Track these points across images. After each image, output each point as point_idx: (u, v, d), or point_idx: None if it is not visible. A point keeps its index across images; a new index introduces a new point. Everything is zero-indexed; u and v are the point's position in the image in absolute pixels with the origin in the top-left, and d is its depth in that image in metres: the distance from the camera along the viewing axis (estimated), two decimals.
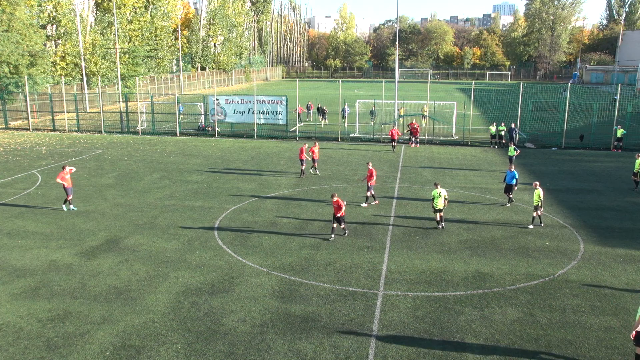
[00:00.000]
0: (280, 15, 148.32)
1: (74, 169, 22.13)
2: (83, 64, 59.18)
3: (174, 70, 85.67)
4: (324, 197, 23.07)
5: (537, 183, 19.89)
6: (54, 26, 58.48)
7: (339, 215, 17.68)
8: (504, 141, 36.87)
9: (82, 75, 59.25)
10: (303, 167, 27.19)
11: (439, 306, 13.46)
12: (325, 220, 19.69)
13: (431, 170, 29.43)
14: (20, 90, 45.92)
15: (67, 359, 11.05)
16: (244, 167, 29.64)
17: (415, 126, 37.22)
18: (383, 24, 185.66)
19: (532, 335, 12.17)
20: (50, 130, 43.22)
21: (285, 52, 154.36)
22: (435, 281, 14.91)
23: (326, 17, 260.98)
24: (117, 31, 61.88)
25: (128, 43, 67.58)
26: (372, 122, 43.52)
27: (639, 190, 25.05)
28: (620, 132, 35.93)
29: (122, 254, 16.73)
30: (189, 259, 16.37)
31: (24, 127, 44.24)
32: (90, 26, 65.08)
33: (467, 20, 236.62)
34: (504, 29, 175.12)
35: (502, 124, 37.79)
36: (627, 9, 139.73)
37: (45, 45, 53.87)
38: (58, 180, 20.92)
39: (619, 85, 42.98)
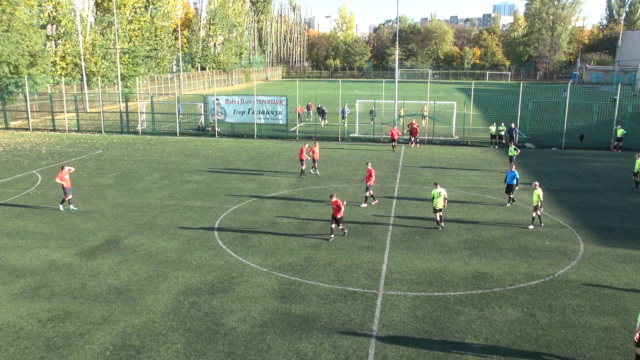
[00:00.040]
0: (280, 15, 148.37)
1: (72, 169, 22.14)
2: (83, 64, 59.19)
3: (174, 70, 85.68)
4: (324, 197, 23.07)
5: (537, 183, 19.89)
6: (54, 26, 58.48)
7: (338, 216, 17.67)
8: (504, 141, 36.86)
9: (82, 75, 59.26)
10: (303, 167, 27.19)
11: (439, 306, 13.46)
12: (325, 220, 19.69)
13: (431, 170, 29.43)
14: (20, 90, 45.93)
15: (67, 359, 11.05)
16: (244, 167, 29.64)
17: (415, 126, 37.21)
18: (383, 24, 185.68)
19: (532, 335, 12.17)
20: (50, 130, 43.22)
21: (285, 52, 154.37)
22: (435, 281, 14.91)
23: (326, 17, 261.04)
24: (117, 31, 61.88)
25: (128, 43, 67.59)
26: (372, 122, 43.52)
27: (639, 190, 25.05)
28: (620, 132, 35.93)
29: (122, 254, 16.73)
30: (189, 259, 16.37)
31: (24, 127, 44.25)
32: (90, 26, 65.08)
33: (467, 20, 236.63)
34: (504, 29, 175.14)
35: (502, 124, 37.79)
36: (627, 9, 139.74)
37: (45, 45, 53.87)
38: (57, 180, 20.93)
39: (619, 85, 42.99)
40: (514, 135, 34.84)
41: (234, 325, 12.42)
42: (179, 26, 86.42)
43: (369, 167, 22.09)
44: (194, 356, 11.21)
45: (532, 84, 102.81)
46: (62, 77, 56.00)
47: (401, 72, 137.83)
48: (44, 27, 55.90)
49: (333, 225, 17.94)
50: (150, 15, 75.79)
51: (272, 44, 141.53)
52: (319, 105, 47.72)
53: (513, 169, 22.08)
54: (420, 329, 12.38)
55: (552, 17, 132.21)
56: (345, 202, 20.15)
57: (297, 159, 28.99)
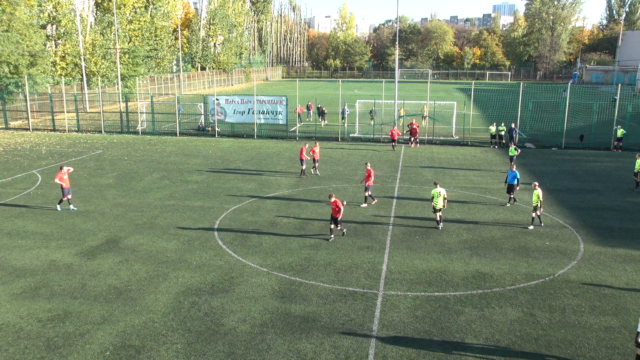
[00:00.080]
0: (280, 15, 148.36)
1: (71, 169, 22.14)
2: (83, 64, 59.19)
3: (174, 70, 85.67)
4: (324, 197, 23.06)
5: (536, 183, 19.87)
6: (54, 26, 58.48)
7: (337, 216, 17.66)
8: (504, 141, 36.86)
9: (82, 75, 59.26)
10: (303, 167, 27.19)
11: (439, 306, 13.46)
12: (325, 220, 19.68)
13: (431, 170, 29.43)
14: (20, 90, 45.92)
15: (67, 359, 11.05)
16: (244, 167, 29.65)
17: (414, 126, 37.20)
18: (383, 24, 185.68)
19: (532, 335, 12.17)
20: (50, 130, 43.22)
21: (285, 52, 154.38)
22: (435, 281, 14.91)
23: (326, 17, 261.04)
24: (117, 31, 61.89)
25: (128, 43, 67.59)
26: (372, 122, 43.53)
27: (639, 190, 25.05)
28: (620, 132, 35.93)
29: (122, 254, 16.73)
30: (189, 259, 16.37)
31: (24, 127, 44.25)
32: (90, 26, 65.08)
33: (467, 20, 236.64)
34: (504, 29, 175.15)
35: (502, 124, 37.79)
36: (627, 9, 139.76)
37: (45, 45, 53.86)
38: (56, 180, 20.93)
39: (619, 85, 43.02)
40: (514, 135, 34.84)
41: (234, 325, 12.42)
42: (179, 26, 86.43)
43: (368, 167, 22.10)
44: (194, 356, 11.22)
45: (532, 84, 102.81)
46: (62, 77, 56.00)
47: (401, 72, 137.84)
48: (44, 27, 55.90)
49: (332, 226, 17.93)
50: (150, 15, 75.79)
51: (272, 44, 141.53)
52: (319, 105, 47.73)
53: (514, 169, 22.07)
54: (420, 329, 12.38)
55: (552, 17, 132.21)
56: (345, 202, 20.17)
57: (297, 159, 28.99)
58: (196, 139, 39.63)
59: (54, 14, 57.38)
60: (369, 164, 22.65)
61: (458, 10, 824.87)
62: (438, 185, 19.33)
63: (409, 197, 23.71)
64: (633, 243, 18.11)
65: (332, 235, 18.02)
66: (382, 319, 12.81)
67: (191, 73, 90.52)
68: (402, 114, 44.35)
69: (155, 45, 76.55)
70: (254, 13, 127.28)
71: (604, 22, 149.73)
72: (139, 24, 71.25)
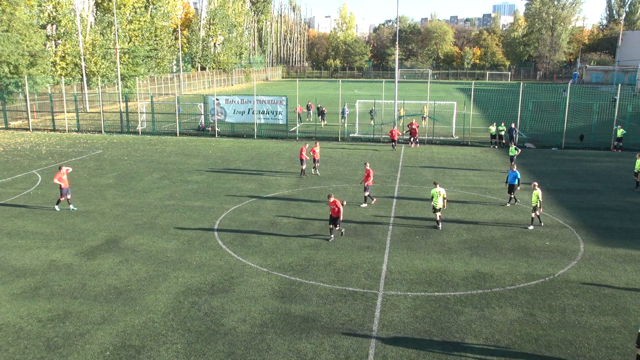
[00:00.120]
0: (280, 15, 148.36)
1: (70, 169, 22.13)
2: (83, 64, 59.19)
3: (174, 70, 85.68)
4: (324, 197, 23.05)
5: (536, 184, 19.86)
6: (54, 26, 58.47)
7: (336, 216, 17.66)
8: (504, 141, 36.86)
9: (82, 75, 59.26)
10: (303, 167, 27.19)
11: (439, 306, 13.46)
12: (325, 220, 19.67)
13: (431, 170, 29.43)
14: (20, 90, 45.92)
15: (67, 359, 11.05)
16: (244, 167, 29.65)
17: (414, 127, 37.19)
18: (383, 24, 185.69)
19: (532, 335, 12.18)
20: (50, 130, 43.22)
21: (285, 52, 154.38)
22: (435, 281, 14.91)
23: (326, 17, 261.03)
24: (117, 31, 61.89)
25: (128, 43, 67.59)
26: (372, 122, 43.53)
27: (639, 190, 25.05)
28: (620, 132, 35.93)
29: (122, 254, 16.73)
30: (189, 259, 16.37)
31: (24, 127, 44.25)
32: (90, 26, 65.08)
33: (467, 20, 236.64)
34: (504, 29, 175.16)
35: (502, 124, 37.79)
36: (627, 9, 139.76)
37: (45, 45, 53.86)
38: (55, 180, 20.93)
39: (619, 85, 43.03)
40: (514, 135, 34.84)
41: (234, 325, 12.42)
42: (179, 26, 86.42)
43: (368, 167, 22.11)
44: (194, 356, 11.22)
45: (532, 84, 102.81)
46: (62, 77, 56.00)
47: (401, 72, 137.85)
48: (44, 27, 55.89)
49: (331, 226, 17.93)
50: (150, 15, 75.79)
51: (272, 44, 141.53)
52: (319, 105, 47.73)
53: (514, 169, 22.06)
54: (420, 329, 12.38)
55: (552, 17, 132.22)
56: (345, 203, 20.19)
57: (297, 159, 29.00)
58: (196, 139, 39.63)
59: (54, 14, 57.38)
60: (368, 164, 22.68)
61: (458, 10, 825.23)
62: (438, 185, 19.35)
63: (409, 197, 23.71)
64: (633, 243, 18.11)
65: (332, 236, 18.01)
66: (382, 319, 12.81)
67: (191, 73, 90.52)
68: (402, 114, 44.35)
69: (155, 45, 76.55)
70: (254, 13, 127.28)
71: (604, 22, 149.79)
72: (139, 24, 71.25)
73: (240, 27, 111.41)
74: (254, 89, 43.60)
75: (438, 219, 19.33)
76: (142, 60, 69.19)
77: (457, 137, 40.22)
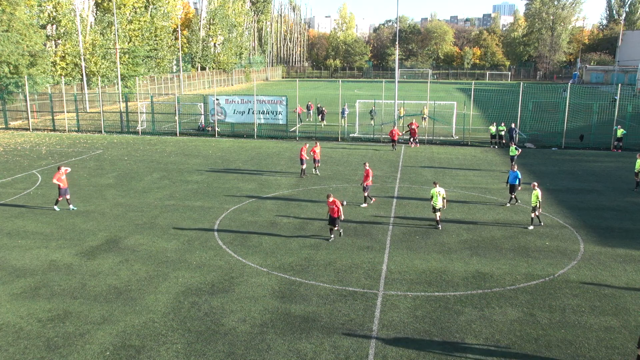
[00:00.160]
0: (280, 15, 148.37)
1: (69, 170, 22.13)
2: (83, 64, 59.19)
3: (174, 70, 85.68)
4: (324, 197, 23.00)
5: (536, 184, 19.85)
6: (54, 26, 58.48)
7: (335, 216, 17.66)
8: (504, 141, 36.86)
9: (82, 75, 59.26)
10: (303, 167, 27.19)
11: (439, 306, 13.46)
12: (326, 220, 19.67)
13: (431, 170, 29.43)
14: (20, 90, 45.93)
15: (67, 359, 11.05)
16: (244, 167, 29.65)
17: (414, 127, 37.19)
18: (383, 24, 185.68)
19: (532, 335, 12.18)
20: (50, 130, 43.22)
21: (285, 52, 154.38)
22: (435, 281, 14.91)
23: (326, 17, 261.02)
24: (117, 31, 61.89)
25: (128, 43, 67.59)
26: (372, 122, 43.52)
27: (639, 190, 25.04)
28: (620, 132, 35.93)
29: (122, 254, 16.73)
30: (189, 259, 16.38)
31: (24, 127, 44.25)
32: (90, 26, 65.09)
33: (467, 20, 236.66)
34: (504, 29, 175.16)
35: (502, 124, 37.78)
36: (627, 9, 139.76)
37: (45, 45, 53.86)
38: (54, 180, 20.94)
39: (619, 85, 43.03)
40: (514, 135, 34.84)
41: (234, 325, 12.42)
42: (179, 26, 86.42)
43: (367, 167, 22.13)
44: (194, 356, 11.22)
45: (532, 84, 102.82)
46: (62, 77, 56.00)
47: (401, 72, 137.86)
48: (44, 27, 55.89)
49: (331, 226, 17.92)
50: (150, 15, 75.79)
51: (272, 44, 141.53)
52: (319, 105, 47.73)
53: (515, 169, 22.05)
54: (420, 329, 12.38)
55: (552, 17, 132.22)
56: (345, 203, 20.19)
57: (297, 159, 29.00)
58: (196, 139, 39.63)
59: (54, 14, 57.38)
60: (367, 164, 22.69)
61: (458, 10, 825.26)
62: (437, 185, 19.36)
63: (409, 197, 23.71)
64: (633, 243, 18.11)
65: (332, 236, 18.02)
66: (382, 319, 12.81)
67: (191, 73, 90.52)
68: (401, 114, 44.35)
69: (155, 45, 76.55)
70: (254, 13, 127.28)
71: (604, 22, 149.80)
72: (139, 24, 71.25)
73: (240, 27, 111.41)
74: (254, 89, 43.59)
75: (438, 219, 19.33)
76: (142, 60, 69.20)
77: (457, 137, 40.22)
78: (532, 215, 19.59)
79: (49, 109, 46.12)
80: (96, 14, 68.62)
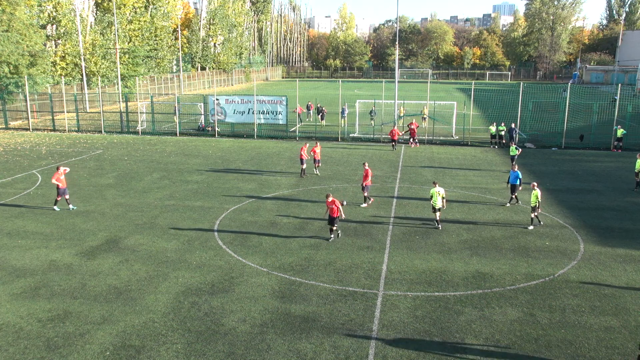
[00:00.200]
0: (280, 15, 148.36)
1: (68, 170, 22.13)
2: (83, 64, 59.19)
3: (174, 70, 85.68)
4: (324, 197, 23.00)
5: (535, 184, 19.83)
6: (54, 26, 58.48)
7: (334, 216, 17.66)
8: (504, 141, 36.86)
9: (82, 75, 59.26)
10: (304, 167, 27.19)
11: (439, 306, 13.46)
12: (326, 220, 19.67)
13: (431, 170, 29.43)
14: (20, 90, 45.93)
15: (67, 359, 11.05)
16: (244, 167, 29.65)
17: (413, 127, 37.18)
18: (383, 24, 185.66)
19: (532, 335, 12.18)
20: (50, 130, 43.22)
21: (285, 52, 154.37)
22: (435, 281, 14.91)
23: (326, 17, 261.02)
24: (117, 31, 61.89)
25: (128, 43, 67.59)
26: (372, 122, 43.52)
27: (639, 190, 25.04)
28: (620, 132, 35.93)
29: (122, 254, 16.73)
30: (189, 259, 16.38)
31: (24, 127, 44.25)
32: (90, 26, 65.09)
33: (467, 20, 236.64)
34: (504, 29, 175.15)
35: (502, 124, 37.78)
36: (627, 9, 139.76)
37: (45, 45, 53.86)
38: (53, 180, 20.94)
39: (619, 85, 43.03)
40: (514, 135, 34.84)
41: (234, 325, 12.42)
42: (179, 26, 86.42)
43: (366, 167, 22.14)
44: (194, 356, 11.22)
45: (532, 84, 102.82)
46: (62, 77, 56.00)
47: (401, 72, 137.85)
48: (44, 27, 55.89)
49: (331, 226, 17.93)
50: (150, 15, 75.78)
51: (272, 44, 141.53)
52: (319, 105, 47.72)
53: (515, 169, 22.05)
54: (420, 329, 12.38)
55: (552, 17, 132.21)
56: (345, 203, 20.18)
57: (297, 158, 29.01)
58: (196, 139, 39.63)
59: (54, 14, 57.38)
60: (366, 164, 22.70)
61: (458, 10, 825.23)
62: (437, 185, 19.36)
63: (409, 197, 23.71)
64: (633, 243, 18.11)
65: (332, 236, 18.02)
66: (382, 319, 12.81)
67: (191, 73, 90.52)
68: (401, 114, 44.35)
69: (155, 45, 76.55)
70: (254, 13, 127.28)
71: (604, 22, 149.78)
72: (139, 24, 71.25)
73: (240, 27, 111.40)
74: (254, 89, 43.60)
75: (437, 218, 19.33)
76: (142, 60, 69.20)
77: (457, 137, 40.22)
78: (532, 215, 19.59)
79: (49, 109, 46.12)
80: (96, 14, 68.62)
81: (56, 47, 59.18)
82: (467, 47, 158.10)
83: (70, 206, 21.33)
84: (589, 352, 11.51)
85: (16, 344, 11.59)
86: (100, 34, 63.79)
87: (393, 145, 35.73)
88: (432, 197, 19.31)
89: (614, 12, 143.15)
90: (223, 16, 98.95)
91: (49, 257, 16.42)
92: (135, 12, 72.03)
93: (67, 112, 45.36)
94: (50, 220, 19.93)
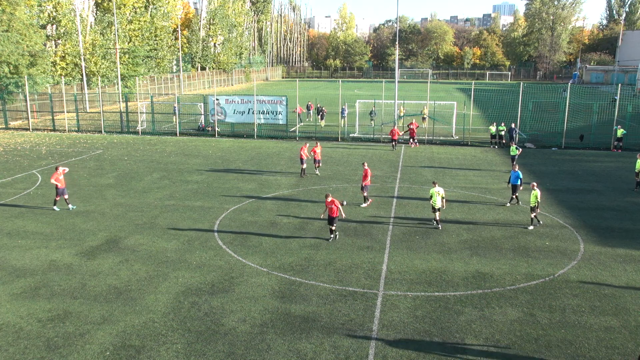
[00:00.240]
0: (280, 15, 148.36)
1: (67, 170, 22.14)
2: (83, 64, 59.19)
3: (174, 70, 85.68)
4: (324, 197, 23.04)
5: (535, 184, 19.83)
6: (54, 26, 58.49)
7: (335, 216, 17.66)
8: (504, 141, 36.87)
9: (82, 75, 59.27)
10: (304, 167, 27.19)
11: (439, 306, 13.46)
12: (326, 220, 19.66)
13: (431, 170, 29.43)
14: (20, 90, 45.93)
15: (67, 359, 11.05)
16: (244, 167, 29.65)
17: (413, 127, 37.17)
18: (383, 24, 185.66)
19: (532, 335, 12.18)
20: (50, 130, 43.22)
21: (285, 52, 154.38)
22: (435, 281, 14.91)
23: (326, 17, 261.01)
24: (117, 31, 61.89)
25: (128, 43, 67.59)
26: (372, 123, 43.51)
27: (639, 190, 25.04)
28: (620, 132, 35.93)
29: (122, 254, 16.73)
30: (189, 259, 16.38)
31: (24, 127, 44.25)
32: (90, 26, 65.09)
33: (467, 20, 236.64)
34: (504, 29, 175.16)
35: (502, 124, 37.79)
36: (627, 9, 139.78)
37: (45, 45, 53.86)
38: (52, 181, 20.94)
39: (619, 85, 43.02)
40: (514, 135, 34.84)
41: (234, 325, 12.42)
42: (179, 26, 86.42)
43: (365, 167, 22.14)
44: (194, 356, 11.22)
45: (532, 84, 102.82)
46: (62, 77, 56.01)
47: (401, 72, 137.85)
48: (44, 27, 55.90)
49: (330, 226, 17.92)
50: (150, 15, 75.79)
51: (272, 44, 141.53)
52: (319, 105, 47.72)
53: (516, 169, 22.04)
54: (420, 329, 12.38)
55: (552, 17, 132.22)
56: (345, 202, 20.18)
57: (297, 158, 29.01)
58: (196, 139, 39.64)
59: (54, 14, 57.38)
60: (366, 164, 22.71)
61: (458, 10, 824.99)
62: (436, 185, 19.37)
63: (409, 197, 23.71)
64: (633, 243, 18.11)
65: (332, 236, 18.02)
66: (382, 319, 12.81)
67: (191, 73, 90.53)
68: (401, 114, 44.35)
69: (155, 45, 76.55)
70: (254, 13, 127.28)
71: (604, 22, 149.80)
72: (139, 24, 71.25)
73: (240, 27, 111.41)
74: (254, 89, 43.60)
75: (437, 218, 19.33)
76: (142, 60, 69.20)
77: (457, 137, 40.22)
78: (532, 215, 19.58)
79: (49, 109, 46.13)
80: (96, 14, 68.62)
81: (56, 47, 59.19)
82: (467, 47, 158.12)
83: (70, 206, 21.33)
84: (589, 352, 11.51)
85: (16, 344, 11.59)
86: (100, 34, 63.79)
87: (393, 145, 35.72)
88: (431, 197, 19.31)
89: (614, 12, 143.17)
90: (223, 16, 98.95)
91: (49, 257, 16.42)
92: (135, 12, 72.03)
93: (67, 112, 45.36)
94: (50, 220, 19.93)
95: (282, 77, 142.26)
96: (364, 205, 22.02)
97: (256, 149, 35.73)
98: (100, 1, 68.58)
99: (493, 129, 37.33)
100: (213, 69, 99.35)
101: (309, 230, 18.98)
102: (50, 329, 12.20)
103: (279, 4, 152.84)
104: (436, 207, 19.21)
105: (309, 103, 52.74)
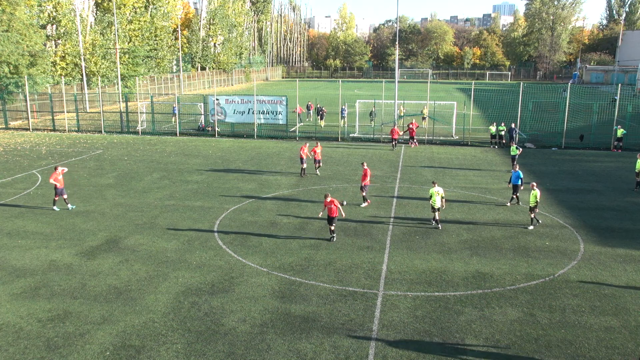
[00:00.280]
0: (280, 15, 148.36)
1: (66, 170, 22.14)
2: (83, 64, 59.19)
3: (174, 70, 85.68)
4: (323, 197, 23.05)
5: (534, 184, 19.82)
6: (54, 26, 58.49)
7: (333, 215, 17.67)
8: (504, 141, 36.87)
9: (82, 75, 59.27)
10: (304, 167, 27.19)
11: (439, 306, 13.46)
12: (325, 219, 19.67)
13: (431, 170, 29.43)
14: (20, 90, 45.93)
15: (67, 359, 11.05)
16: (244, 167, 29.65)
17: (412, 127, 37.17)
18: (383, 24, 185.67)
19: (532, 335, 12.18)
20: (50, 130, 43.22)
21: (285, 52, 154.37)
22: (435, 281, 14.91)
23: (326, 17, 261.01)
24: (117, 31, 61.89)
25: (128, 43, 67.59)
26: (372, 123, 43.51)
27: (639, 190, 25.04)
28: (620, 132, 35.93)
29: (122, 254, 16.73)
30: (189, 259, 16.38)
31: (24, 127, 44.25)
32: (90, 26, 65.09)
33: (467, 20, 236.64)
34: (504, 29, 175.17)
35: (502, 124, 37.79)
36: (627, 9, 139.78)
37: (45, 45, 53.86)
38: (51, 181, 20.93)
39: (619, 85, 43.00)
40: (514, 135, 34.85)
41: (234, 325, 12.42)
42: (179, 26, 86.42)
43: (365, 167, 22.14)
44: (194, 356, 11.22)
45: (532, 84, 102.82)
46: (62, 77, 56.01)
47: (401, 72, 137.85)
48: (44, 27, 55.90)
49: (330, 226, 17.92)
50: (150, 15, 75.79)
51: (272, 44, 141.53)
52: (319, 105, 47.71)
53: (517, 169, 22.04)
54: (420, 329, 12.39)
55: (552, 17, 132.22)
56: (345, 202, 20.18)
57: (297, 158, 29.01)
58: (196, 139, 39.64)
59: (54, 14, 57.38)
60: (365, 164, 22.71)
61: (458, 10, 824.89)
62: (436, 185, 19.37)
63: (409, 197, 23.72)
64: (633, 243, 18.11)
65: (332, 235, 18.01)
66: (382, 319, 12.81)
67: (191, 73, 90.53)
68: (401, 114, 44.34)
69: (155, 45, 76.55)
70: (254, 13, 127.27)
71: (604, 22, 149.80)
72: (139, 24, 71.25)
73: (240, 27, 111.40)
74: (254, 89, 43.60)
75: (437, 218, 19.33)
76: (142, 60, 69.20)
77: (457, 137, 40.22)
78: (531, 215, 19.58)
79: (49, 109, 46.13)
80: (96, 14, 68.62)
81: (56, 47, 59.19)
82: (467, 47, 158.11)
83: (69, 205, 21.33)
84: (589, 352, 11.51)
85: (16, 344, 11.59)
86: (100, 34, 63.79)
87: (393, 144, 35.72)
88: (431, 196, 19.31)
89: (614, 12, 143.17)
90: (223, 16, 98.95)
91: (49, 257, 16.42)
92: (135, 12, 72.03)
93: (67, 112, 45.36)
94: (50, 220, 19.93)
95: (282, 77, 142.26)
96: (363, 205, 22.02)
97: (256, 149, 35.73)
98: (100, 1, 68.58)
99: (493, 129, 37.34)
100: (213, 69, 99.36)
101: (309, 230, 18.99)
102: (50, 329, 12.20)
103: (279, 4, 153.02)
104: (436, 207, 19.21)
105: (309, 103, 52.74)
